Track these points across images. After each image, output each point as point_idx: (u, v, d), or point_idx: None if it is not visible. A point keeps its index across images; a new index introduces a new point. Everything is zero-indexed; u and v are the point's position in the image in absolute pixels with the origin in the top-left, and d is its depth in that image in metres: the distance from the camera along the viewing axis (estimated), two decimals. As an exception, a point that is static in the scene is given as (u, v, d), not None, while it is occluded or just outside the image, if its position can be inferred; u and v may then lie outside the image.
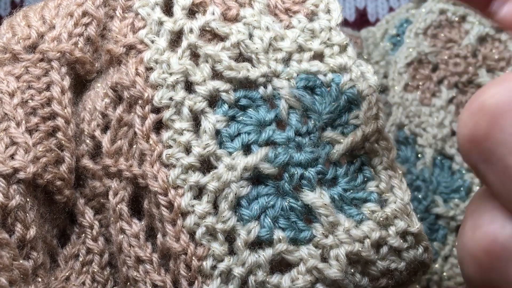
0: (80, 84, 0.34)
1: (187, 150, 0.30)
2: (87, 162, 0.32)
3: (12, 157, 0.29)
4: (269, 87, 0.30)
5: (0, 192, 0.28)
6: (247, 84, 0.30)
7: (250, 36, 0.31)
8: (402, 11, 0.61)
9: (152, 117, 0.30)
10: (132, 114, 0.31)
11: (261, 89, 0.30)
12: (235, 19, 0.31)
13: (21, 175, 0.29)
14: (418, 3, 0.57)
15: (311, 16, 0.32)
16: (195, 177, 0.29)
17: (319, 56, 0.31)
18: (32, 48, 0.32)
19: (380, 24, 0.63)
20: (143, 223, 0.31)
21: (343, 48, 0.31)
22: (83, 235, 0.32)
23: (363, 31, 0.61)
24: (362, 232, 0.28)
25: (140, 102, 0.30)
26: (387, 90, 0.52)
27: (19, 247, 0.29)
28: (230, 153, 0.29)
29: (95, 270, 0.32)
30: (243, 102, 0.30)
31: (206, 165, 0.29)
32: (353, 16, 0.76)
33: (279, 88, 0.30)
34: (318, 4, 0.32)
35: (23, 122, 0.30)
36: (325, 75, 0.30)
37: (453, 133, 0.48)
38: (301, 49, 0.31)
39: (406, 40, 0.54)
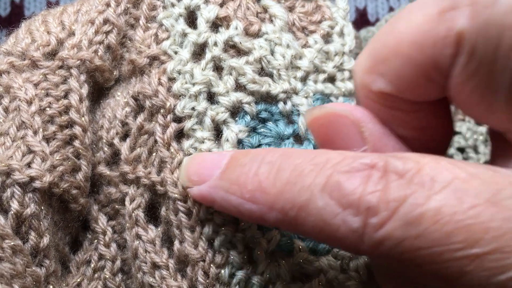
0: (97, 91, 0.34)
1: None
2: (103, 169, 0.32)
3: (29, 165, 0.29)
4: (289, 103, 0.31)
5: (16, 200, 0.28)
6: (267, 98, 0.31)
7: (272, 52, 0.32)
8: (401, 11, 0.62)
9: (173, 126, 0.31)
10: (153, 123, 0.31)
11: (281, 105, 0.31)
12: (257, 34, 0.32)
13: (37, 184, 0.29)
14: (417, 3, 0.59)
15: (326, 37, 0.34)
16: None
17: (331, 78, 0.33)
18: (52, 55, 0.32)
19: (380, 24, 0.64)
20: (159, 229, 0.31)
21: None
22: (96, 241, 0.32)
23: (362, 31, 0.63)
24: None
25: (162, 111, 0.31)
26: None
27: (32, 254, 0.29)
28: None
29: (107, 276, 0.32)
30: (264, 115, 0.31)
31: None
32: (353, 16, 0.77)
33: (299, 104, 0.31)
34: (333, 26, 0.34)
35: (41, 130, 0.30)
36: (336, 98, 0.32)
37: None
38: (316, 69, 0.33)
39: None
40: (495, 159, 0.24)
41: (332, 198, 0.21)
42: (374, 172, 0.20)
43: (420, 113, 0.24)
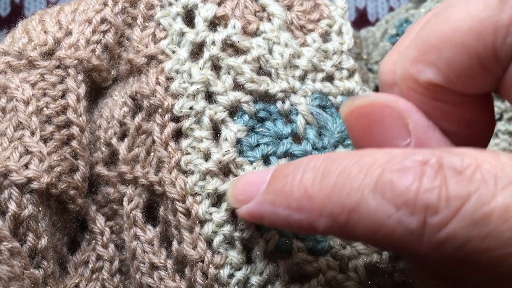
0: (95, 90, 0.34)
1: (206, 157, 0.30)
2: (101, 169, 0.32)
3: (26, 166, 0.29)
4: (287, 103, 0.31)
5: (13, 202, 0.28)
6: (265, 97, 0.31)
7: (270, 51, 0.32)
8: (401, 11, 0.62)
9: (171, 125, 0.30)
10: (151, 122, 0.31)
11: (279, 104, 0.31)
12: (255, 33, 0.32)
13: (35, 185, 0.29)
14: (417, 3, 0.59)
15: (325, 36, 0.34)
16: (213, 185, 0.29)
17: (329, 77, 0.33)
18: (49, 54, 0.32)
19: (379, 24, 0.64)
20: (157, 229, 0.31)
21: (351, 73, 0.33)
22: (94, 241, 0.32)
23: (362, 31, 0.63)
24: None
25: (160, 111, 0.31)
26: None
27: (30, 256, 0.29)
28: (251, 162, 0.30)
29: (105, 277, 0.32)
30: (262, 114, 0.31)
31: (225, 172, 0.30)
32: (353, 16, 0.77)
33: (297, 104, 0.31)
34: (332, 24, 0.34)
35: (38, 130, 0.30)
36: (335, 97, 0.32)
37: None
38: (315, 68, 0.33)
39: (405, 40, 0.55)
40: None
41: (385, 198, 0.19)
42: (428, 168, 0.19)
43: (467, 106, 0.23)
